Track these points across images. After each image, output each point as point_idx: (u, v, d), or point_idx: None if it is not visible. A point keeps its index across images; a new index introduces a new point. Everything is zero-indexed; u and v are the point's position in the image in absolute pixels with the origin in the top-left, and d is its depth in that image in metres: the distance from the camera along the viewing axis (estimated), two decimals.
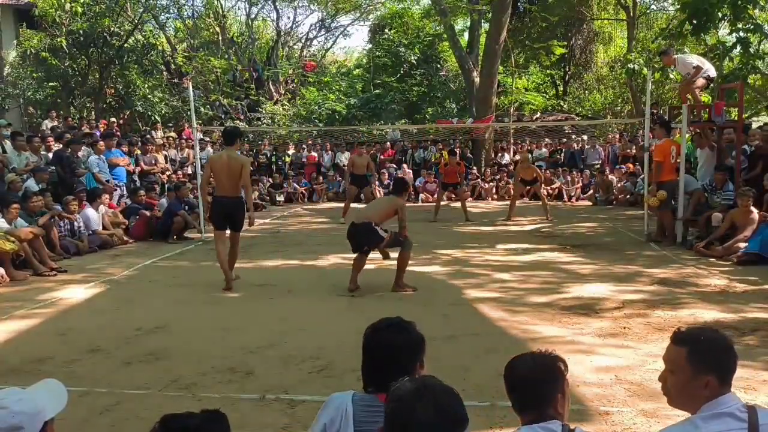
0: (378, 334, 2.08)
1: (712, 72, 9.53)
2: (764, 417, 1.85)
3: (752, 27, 10.37)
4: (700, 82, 9.28)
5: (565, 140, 18.69)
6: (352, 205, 12.72)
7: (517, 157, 16.39)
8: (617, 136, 18.22)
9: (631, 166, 15.22)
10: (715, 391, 1.89)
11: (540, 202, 12.92)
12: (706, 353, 1.90)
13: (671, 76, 13.96)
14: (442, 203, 13.08)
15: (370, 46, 27.45)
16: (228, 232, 6.95)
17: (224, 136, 7.38)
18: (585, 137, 17.94)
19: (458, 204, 12.70)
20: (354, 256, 6.50)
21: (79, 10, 18.25)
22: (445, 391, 1.60)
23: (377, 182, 16.26)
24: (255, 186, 16.00)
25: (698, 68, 9.15)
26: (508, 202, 13.34)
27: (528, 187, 13.60)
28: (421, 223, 12.13)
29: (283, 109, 23.66)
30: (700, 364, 1.89)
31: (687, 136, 9.49)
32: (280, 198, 16.77)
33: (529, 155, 14.37)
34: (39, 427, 1.63)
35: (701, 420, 1.88)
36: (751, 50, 10.86)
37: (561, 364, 1.94)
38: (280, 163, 18.30)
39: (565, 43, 24.44)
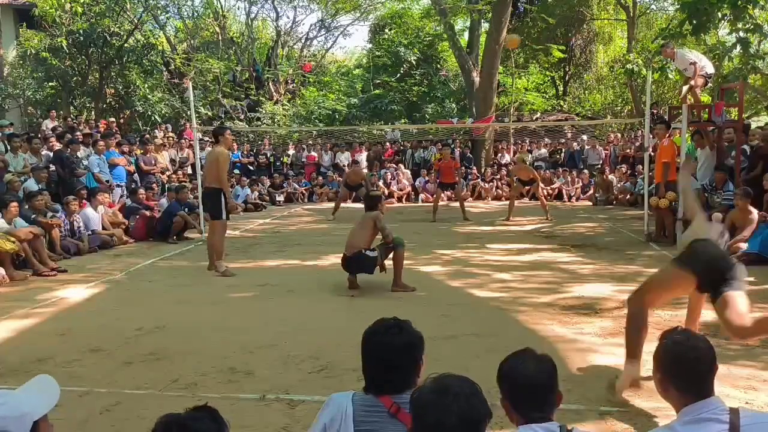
0: (376, 337, 2.08)
1: (710, 68, 9.51)
2: (747, 418, 1.86)
3: (752, 27, 10.38)
4: (700, 81, 9.27)
5: (564, 140, 18.69)
6: (347, 205, 12.84)
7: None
8: (618, 135, 18.20)
9: (627, 167, 15.20)
10: (675, 393, 1.96)
11: (539, 203, 12.93)
12: (661, 358, 2.08)
13: (671, 76, 13.94)
14: (441, 203, 13.07)
15: (370, 46, 27.46)
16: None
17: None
18: (585, 137, 17.94)
19: (457, 204, 12.70)
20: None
21: (79, 10, 18.26)
22: (466, 394, 1.62)
23: (381, 181, 16.32)
24: (255, 186, 16.03)
25: (695, 64, 9.14)
26: (507, 202, 13.34)
27: (527, 187, 13.61)
28: (421, 223, 12.15)
29: (283, 109, 23.65)
30: (657, 364, 2.10)
31: (687, 135, 9.49)
32: (280, 198, 16.77)
33: (528, 156, 14.36)
34: (28, 428, 1.62)
35: (680, 425, 1.90)
36: (751, 50, 10.88)
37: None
38: (278, 164, 18.30)
39: (565, 44, 24.43)
